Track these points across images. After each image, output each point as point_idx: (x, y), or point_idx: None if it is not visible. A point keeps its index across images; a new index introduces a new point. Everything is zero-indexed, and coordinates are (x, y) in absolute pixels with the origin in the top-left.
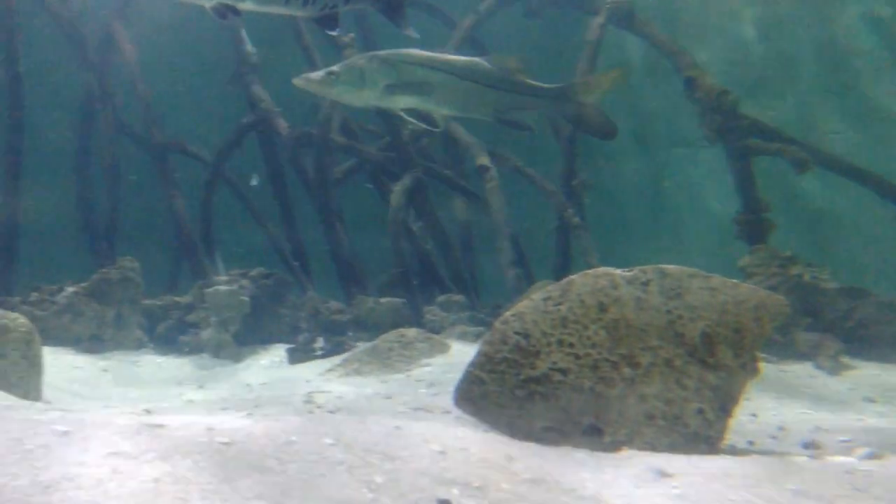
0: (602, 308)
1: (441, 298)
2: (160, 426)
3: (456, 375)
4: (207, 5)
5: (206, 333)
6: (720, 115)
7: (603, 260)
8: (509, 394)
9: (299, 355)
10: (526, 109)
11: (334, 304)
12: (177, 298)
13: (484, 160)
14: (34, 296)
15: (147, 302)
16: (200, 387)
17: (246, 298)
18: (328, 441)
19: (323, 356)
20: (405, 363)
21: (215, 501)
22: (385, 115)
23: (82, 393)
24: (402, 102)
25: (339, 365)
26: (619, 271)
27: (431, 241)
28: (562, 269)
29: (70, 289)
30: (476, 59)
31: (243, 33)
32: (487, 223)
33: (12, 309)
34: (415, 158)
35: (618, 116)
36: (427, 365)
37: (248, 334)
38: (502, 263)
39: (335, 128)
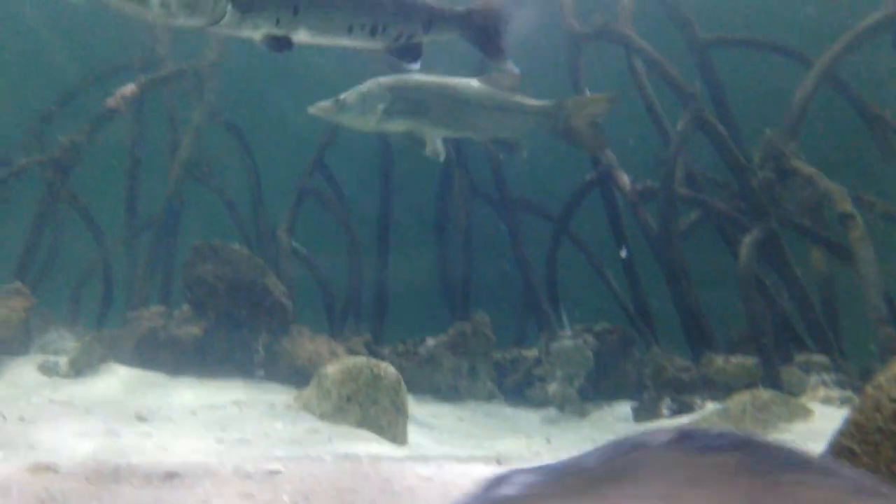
0: None
1: (800, 359)
2: None
3: (819, 445)
4: (257, 37)
5: (552, 387)
6: None
7: None
8: (886, 469)
9: (644, 413)
10: (519, 127)
11: (680, 362)
12: (524, 352)
13: (847, 206)
14: (400, 347)
15: (497, 355)
16: (547, 440)
17: (590, 354)
18: None
19: (670, 416)
20: (760, 428)
21: None
22: (731, 163)
23: (441, 439)
24: (400, 125)
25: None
26: None
27: (787, 296)
28: None
29: (430, 341)
30: (471, 79)
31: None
32: (853, 276)
33: (383, 359)
34: (766, 207)
35: None
36: (785, 431)
37: (592, 389)
38: (873, 321)
39: (679, 179)
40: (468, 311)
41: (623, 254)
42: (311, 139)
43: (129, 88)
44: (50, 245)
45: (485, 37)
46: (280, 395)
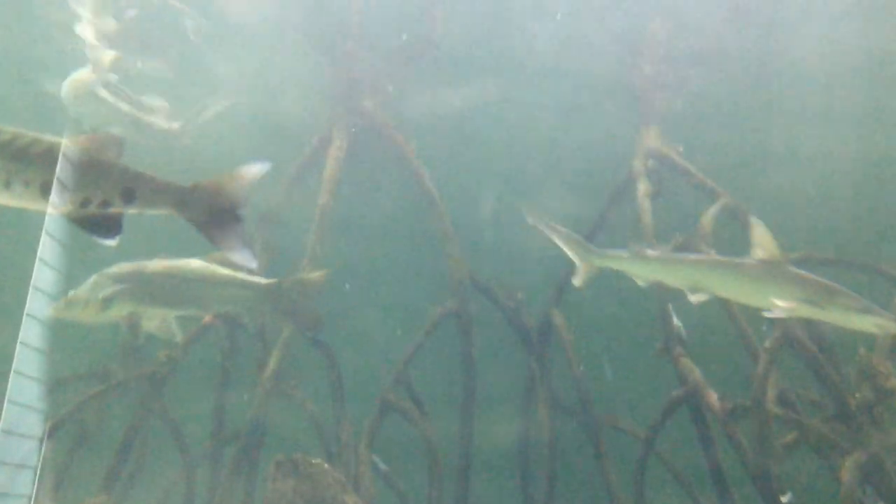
0: None
1: None
2: None
3: None
4: None
5: None
6: None
7: None
8: None
9: None
10: (240, 302)
11: None
12: None
13: None
14: None
15: None
16: None
17: None
18: None
19: None
20: None
21: None
22: (827, 384)
23: None
24: (123, 309)
25: None
26: None
27: None
28: None
29: None
30: (191, 259)
31: (670, 307)
32: None
33: None
34: (866, 430)
35: None
36: None
37: None
38: None
39: (771, 398)
40: None
41: (785, 499)
42: (396, 352)
43: None
44: (137, 458)
45: (212, 222)
46: None
